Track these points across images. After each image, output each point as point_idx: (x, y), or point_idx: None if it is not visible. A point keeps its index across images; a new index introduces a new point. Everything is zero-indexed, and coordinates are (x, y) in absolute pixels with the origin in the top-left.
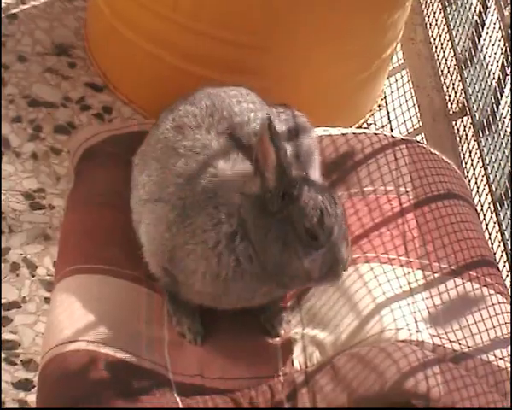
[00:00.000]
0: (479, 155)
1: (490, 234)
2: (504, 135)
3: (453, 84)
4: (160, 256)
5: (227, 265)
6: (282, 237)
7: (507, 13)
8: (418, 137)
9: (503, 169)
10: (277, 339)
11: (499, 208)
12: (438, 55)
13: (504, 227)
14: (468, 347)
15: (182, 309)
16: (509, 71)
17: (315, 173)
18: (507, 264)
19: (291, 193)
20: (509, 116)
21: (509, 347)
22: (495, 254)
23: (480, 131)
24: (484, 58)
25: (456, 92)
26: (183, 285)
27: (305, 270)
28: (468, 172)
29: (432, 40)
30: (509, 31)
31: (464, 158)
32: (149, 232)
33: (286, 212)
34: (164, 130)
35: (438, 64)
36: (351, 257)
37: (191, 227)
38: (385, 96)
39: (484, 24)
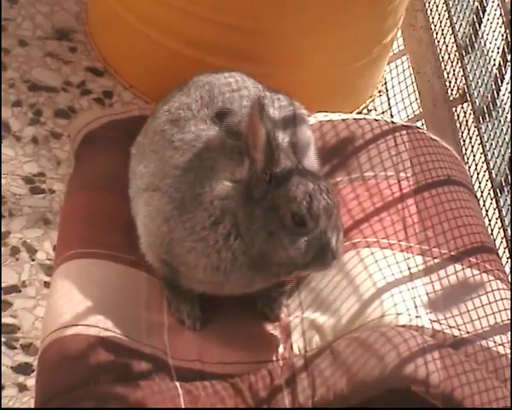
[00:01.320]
0: (479, 141)
1: (490, 220)
2: (504, 121)
3: (453, 70)
4: (158, 248)
5: (225, 259)
6: (266, 225)
7: None
8: (418, 123)
9: (503, 155)
10: (276, 323)
11: (499, 195)
12: (438, 42)
13: (504, 213)
14: (468, 332)
15: (180, 296)
16: (509, 57)
17: (311, 163)
18: (506, 250)
19: (278, 177)
20: (509, 102)
21: (509, 333)
22: (495, 240)
23: (481, 118)
24: (484, 44)
25: (456, 78)
26: (183, 276)
27: (289, 257)
28: (468, 159)
29: (432, 26)
30: (510, 17)
31: (464, 144)
32: (147, 224)
33: (271, 197)
34: (160, 122)
35: (438, 50)
36: (342, 247)
37: (190, 223)
38: (385, 82)
39: (484, 10)
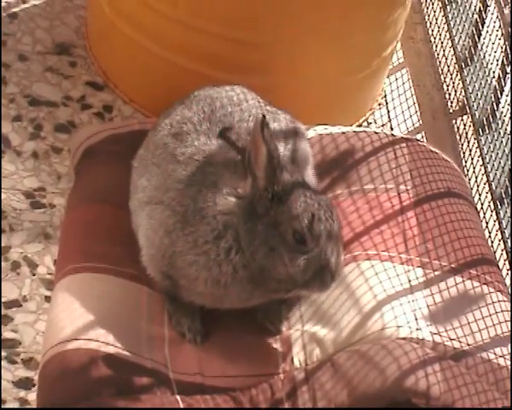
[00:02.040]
0: (479, 153)
1: (490, 232)
2: (504, 133)
3: (453, 82)
4: (160, 261)
5: (226, 273)
6: (267, 241)
7: (507, 11)
8: (418, 136)
9: (502, 167)
10: (277, 337)
11: (499, 207)
12: (438, 54)
13: (504, 225)
14: (468, 345)
15: (181, 309)
16: (508, 69)
17: (309, 179)
18: (507, 262)
19: (280, 194)
20: (508, 115)
21: (509, 345)
22: (495, 252)
23: (480, 130)
24: (484, 57)
25: (456, 91)
26: (184, 289)
27: (288, 274)
28: (467, 171)
29: (432, 39)
30: (509, 29)
31: (464, 156)
32: (148, 237)
33: (273, 213)
34: (162, 136)
35: (438, 63)
36: (342, 267)
37: (192, 236)
38: (385, 95)
39: (484, 22)
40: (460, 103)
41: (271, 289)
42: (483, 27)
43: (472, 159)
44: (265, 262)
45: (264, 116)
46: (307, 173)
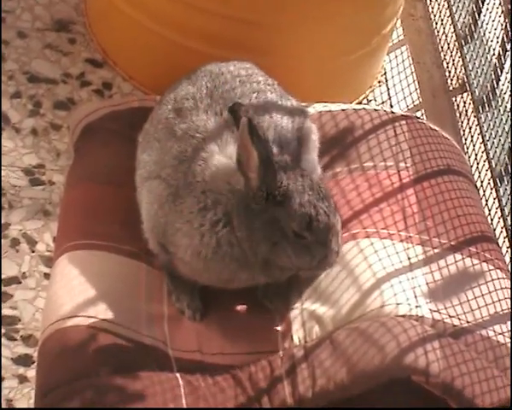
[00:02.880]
0: (479, 131)
1: (489, 210)
2: (504, 111)
3: (453, 60)
4: (156, 232)
5: (207, 245)
6: (269, 237)
7: None
8: (418, 114)
9: (502, 145)
10: (276, 314)
11: (499, 184)
12: (438, 31)
13: (504, 203)
14: (468, 322)
15: (181, 286)
16: (509, 47)
17: (313, 157)
18: (506, 240)
19: (275, 195)
20: (509, 92)
21: (509, 322)
22: (495, 230)
23: (480, 108)
24: (484, 34)
25: (456, 68)
26: (175, 259)
27: (294, 264)
28: (467, 148)
29: (432, 16)
30: (510, 6)
31: (464, 134)
32: (147, 209)
33: (271, 212)
34: (165, 110)
35: (438, 40)
36: (341, 247)
37: (180, 207)
38: (385, 73)
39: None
40: (460, 81)
41: (276, 276)
42: (483, 4)
43: (472, 136)
44: (270, 255)
45: (250, 119)
46: (310, 152)
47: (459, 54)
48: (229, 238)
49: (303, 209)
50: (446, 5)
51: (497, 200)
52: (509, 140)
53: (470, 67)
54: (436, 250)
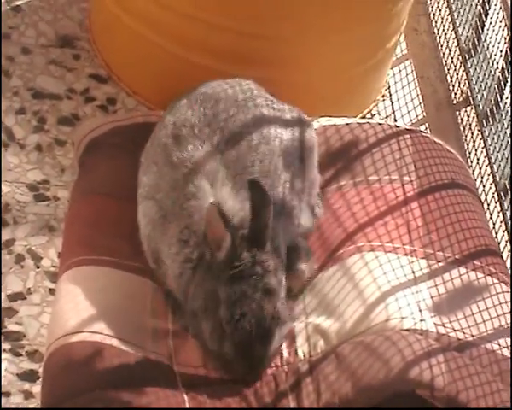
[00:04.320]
0: (482, 144)
1: (494, 223)
2: (508, 124)
3: (457, 74)
4: (150, 251)
5: (174, 269)
6: (206, 301)
7: (510, 2)
8: (422, 127)
9: (506, 158)
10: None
11: (503, 198)
12: (441, 46)
13: (508, 217)
14: (472, 335)
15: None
16: None
17: (313, 169)
18: (511, 253)
19: (229, 274)
20: None
21: None
22: (499, 243)
23: (484, 121)
24: (487, 48)
25: (459, 82)
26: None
27: (205, 339)
28: (471, 162)
29: (435, 30)
30: None
31: (468, 148)
32: (143, 230)
33: (219, 285)
34: (164, 135)
35: (441, 54)
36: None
37: (166, 230)
38: (389, 87)
39: (487, 13)
40: (464, 95)
41: (194, 333)
42: (486, 18)
43: (476, 150)
44: (197, 312)
45: (217, 204)
46: (311, 164)
47: (463, 68)
48: (189, 278)
49: (233, 307)
50: (450, 19)
51: (501, 213)
52: None
53: (474, 81)
54: (440, 264)
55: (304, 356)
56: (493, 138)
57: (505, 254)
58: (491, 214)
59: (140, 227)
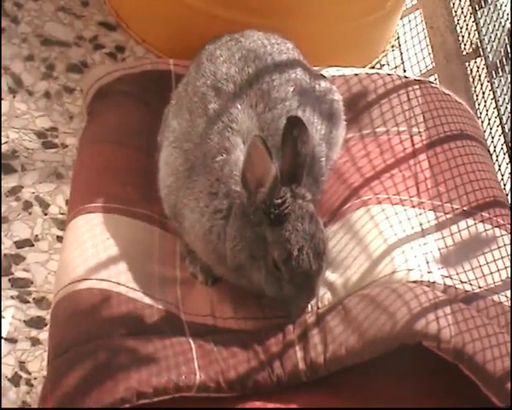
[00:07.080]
0: (492, 96)
1: (502, 175)
2: None
3: (467, 24)
4: (168, 201)
5: (202, 225)
6: (251, 249)
7: None
8: (431, 78)
9: None
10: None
11: None
12: None
13: None
14: (480, 287)
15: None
16: None
17: (340, 132)
18: None
19: (275, 215)
20: None
21: None
22: (507, 195)
23: (493, 72)
24: None
25: (469, 33)
26: (182, 230)
27: (261, 286)
28: (480, 113)
29: None
30: None
31: (477, 99)
32: (163, 179)
33: (263, 229)
34: (204, 83)
35: (451, 5)
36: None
37: (192, 184)
38: (398, 37)
39: None
40: (473, 46)
41: (243, 284)
42: None
43: (485, 101)
44: (244, 264)
45: (260, 137)
46: (338, 128)
47: (472, 18)
48: (220, 231)
49: (288, 244)
50: None
51: (509, 165)
52: None
53: (484, 32)
54: (448, 216)
55: (311, 308)
56: (502, 90)
57: None
58: (499, 166)
59: (160, 172)
